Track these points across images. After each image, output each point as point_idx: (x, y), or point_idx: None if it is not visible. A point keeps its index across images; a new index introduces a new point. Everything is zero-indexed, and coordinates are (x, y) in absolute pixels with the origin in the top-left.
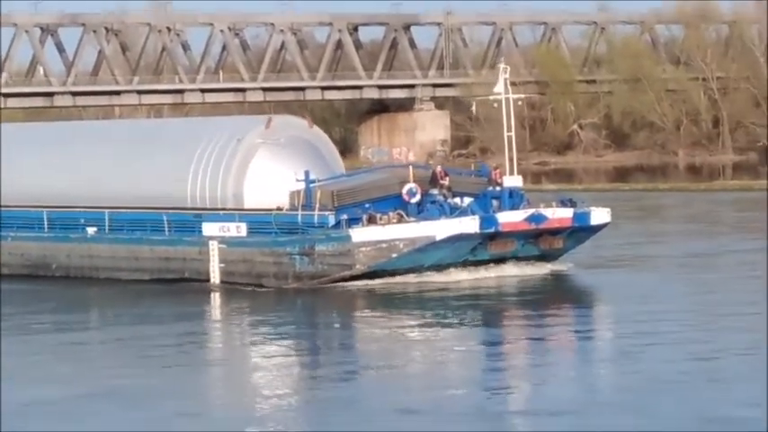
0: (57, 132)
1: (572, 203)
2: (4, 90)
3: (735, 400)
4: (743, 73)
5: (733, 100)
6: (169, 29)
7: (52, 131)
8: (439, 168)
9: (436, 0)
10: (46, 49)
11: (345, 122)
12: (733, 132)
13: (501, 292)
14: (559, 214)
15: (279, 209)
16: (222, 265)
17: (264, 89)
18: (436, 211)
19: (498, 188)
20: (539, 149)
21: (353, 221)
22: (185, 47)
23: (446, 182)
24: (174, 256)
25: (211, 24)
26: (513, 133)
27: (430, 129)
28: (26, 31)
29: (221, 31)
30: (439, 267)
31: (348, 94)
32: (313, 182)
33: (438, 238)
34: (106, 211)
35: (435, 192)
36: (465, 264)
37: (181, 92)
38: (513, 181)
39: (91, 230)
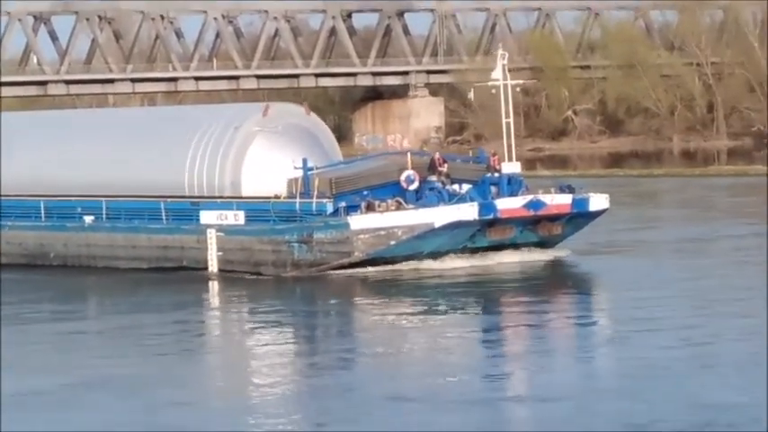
0: (53, 121)
1: (570, 190)
2: None
3: (727, 386)
4: (737, 58)
5: (727, 85)
6: (162, 17)
7: (49, 120)
8: (437, 155)
9: None
10: (39, 38)
11: (339, 110)
12: (728, 118)
13: (498, 279)
14: (558, 200)
15: (277, 197)
16: (220, 253)
17: (258, 77)
18: (435, 198)
19: (497, 175)
20: (533, 136)
21: (352, 209)
22: (179, 35)
23: (444, 169)
24: (171, 244)
25: (205, 12)
26: (511, 119)
27: (424, 115)
28: (19, 20)
29: (215, 18)
30: (437, 254)
31: (342, 82)
32: (311, 169)
33: (437, 225)
34: (103, 199)
35: (434, 179)
36: (464, 250)
37: (174, 80)
38: (511, 167)
39: (88, 219)
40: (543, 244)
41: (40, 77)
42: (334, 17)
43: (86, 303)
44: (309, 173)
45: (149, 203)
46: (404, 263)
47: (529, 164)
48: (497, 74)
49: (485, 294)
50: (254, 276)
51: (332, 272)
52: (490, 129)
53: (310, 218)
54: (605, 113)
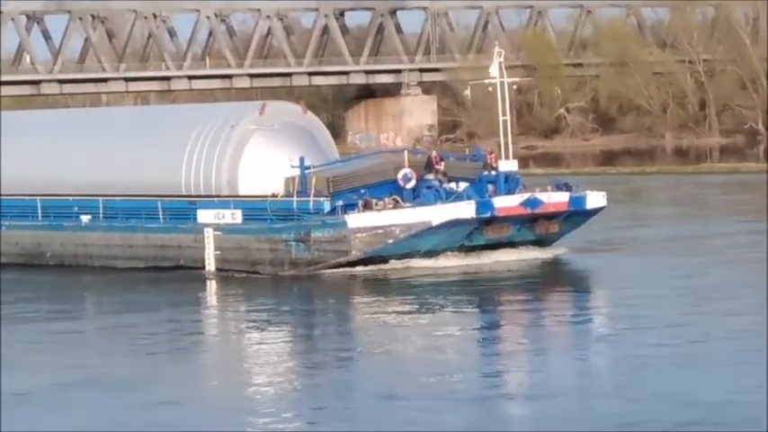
0: (50, 120)
1: (568, 187)
2: None
3: (718, 385)
4: (729, 55)
5: (719, 82)
6: (155, 15)
7: (45, 119)
8: (434, 153)
9: None
10: (32, 37)
11: (332, 108)
12: (720, 115)
13: (495, 277)
14: (555, 198)
15: (274, 195)
16: (217, 252)
17: (251, 75)
18: (432, 196)
19: (494, 173)
20: (526, 133)
21: (349, 207)
22: (172, 33)
23: (441, 167)
24: (168, 243)
25: (197, 11)
26: (508, 117)
27: (417, 114)
28: (12, 19)
29: (207, 17)
30: (435, 253)
31: (335, 80)
32: (308, 168)
33: (434, 224)
34: (100, 198)
35: (431, 177)
36: (461, 249)
37: (167, 79)
38: (508, 165)
39: (85, 218)
40: (540, 242)
41: (33, 77)
42: (326, 15)
43: (83, 303)
44: (307, 171)
45: (146, 202)
46: (401, 261)
47: (522, 162)
48: (494, 71)
49: (480, 293)
50: (252, 275)
51: (329, 270)
52: (483, 127)
53: (308, 216)
54: (598, 111)
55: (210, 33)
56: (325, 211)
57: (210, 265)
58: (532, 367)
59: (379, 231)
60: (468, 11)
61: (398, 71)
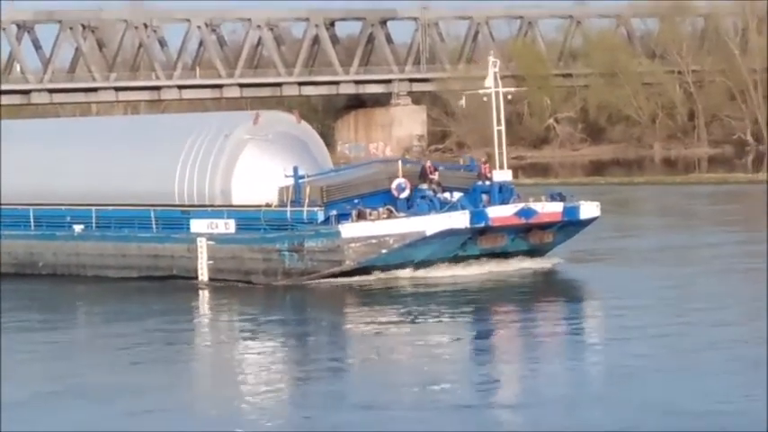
0: (42, 129)
1: (561, 198)
2: None
3: (704, 394)
4: (718, 66)
5: (708, 93)
6: (146, 25)
7: (38, 129)
8: (428, 163)
9: None
10: (23, 46)
11: (322, 118)
12: (708, 125)
13: (487, 288)
14: (549, 208)
15: (267, 205)
16: (211, 262)
17: (241, 85)
18: (426, 206)
19: (488, 183)
20: (515, 144)
21: (343, 217)
22: (162, 43)
23: (435, 177)
24: (162, 253)
25: (188, 20)
26: (503, 127)
27: (407, 124)
28: (3, 29)
29: (198, 27)
30: (429, 263)
31: (325, 90)
32: (302, 177)
33: (428, 234)
34: (93, 208)
35: (425, 187)
36: (455, 259)
37: (158, 88)
38: (502, 175)
39: (78, 228)
40: (534, 252)
41: (23, 86)
42: (317, 25)
43: (74, 312)
44: (300, 181)
45: (139, 212)
46: (395, 271)
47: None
48: (489, 81)
49: (472, 303)
50: (245, 285)
51: (323, 280)
52: (473, 137)
53: (301, 226)
54: (587, 121)
55: (201, 43)
56: (319, 221)
57: (203, 275)
58: (521, 377)
59: (373, 241)
60: (459, 21)
61: (388, 81)
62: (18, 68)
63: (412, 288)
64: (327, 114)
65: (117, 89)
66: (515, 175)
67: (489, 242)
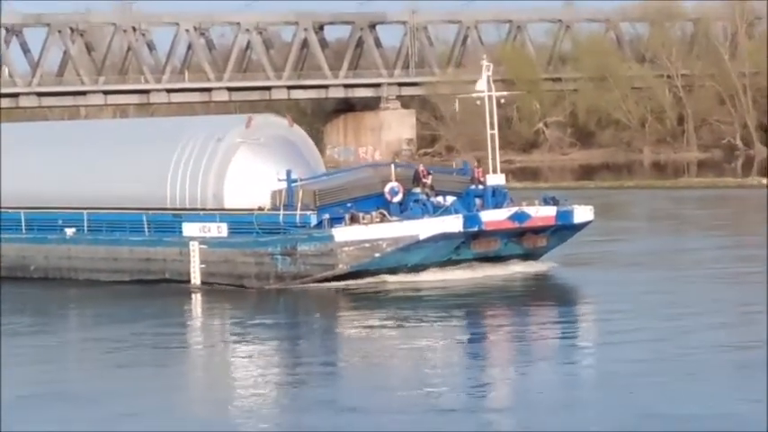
0: (34, 133)
1: (555, 202)
2: None
3: (685, 398)
4: (707, 70)
5: (698, 97)
6: (134, 29)
7: (29, 132)
8: (421, 167)
9: None
10: (11, 50)
11: (311, 122)
12: (698, 130)
13: (479, 292)
14: (542, 213)
15: (260, 209)
16: (203, 265)
17: (230, 89)
18: (419, 210)
19: (481, 187)
20: (504, 148)
21: (336, 221)
22: (151, 47)
23: (429, 181)
24: (154, 256)
25: (177, 24)
26: (496, 131)
27: (396, 128)
28: None
29: (187, 30)
30: (422, 267)
31: (314, 94)
32: (295, 181)
33: (421, 238)
34: (85, 211)
35: (418, 191)
36: (448, 263)
37: (146, 92)
38: (496, 179)
39: (69, 231)
40: (528, 256)
41: (11, 89)
42: (306, 29)
43: (65, 316)
44: (293, 185)
45: (131, 216)
46: (388, 275)
47: None
48: (482, 85)
49: (464, 306)
50: (238, 289)
51: (315, 284)
52: (462, 141)
53: (294, 230)
54: (576, 125)
55: (190, 47)
56: (312, 225)
57: (196, 279)
58: (511, 380)
59: (366, 245)
60: (448, 25)
61: (377, 85)
62: (6, 72)
63: (404, 292)
64: (316, 118)
65: (106, 92)
66: (505, 180)
67: (483, 246)
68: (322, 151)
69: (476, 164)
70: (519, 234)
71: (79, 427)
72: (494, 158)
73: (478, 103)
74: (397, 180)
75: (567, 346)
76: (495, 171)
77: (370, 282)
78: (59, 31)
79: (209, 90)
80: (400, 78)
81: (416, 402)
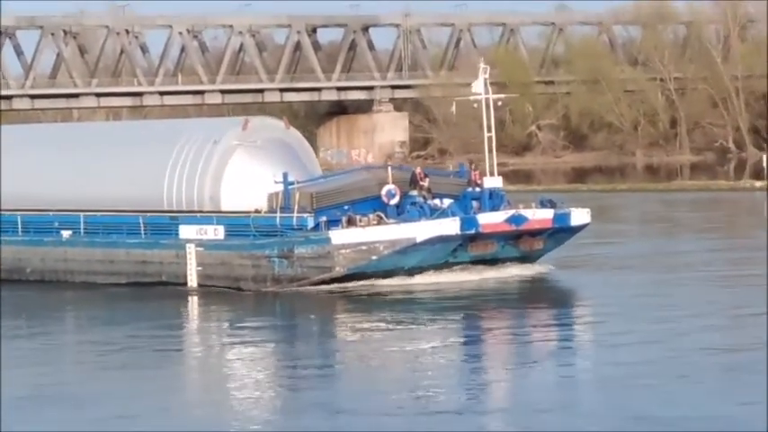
0: (30, 135)
1: (552, 204)
2: None
3: (672, 401)
4: (700, 73)
5: (690, 100)
6: (127, 31)
7: (25, 134)
8: (418, 169)
9: (395, 0)
10: (4, 52)
11: (304, 124)
12: (690, 133)
13: (476, 294)
14: (540, 215)
15: (257, 211)
16: (200, 268)
17: (223, 91)
18: (416, 212)
19: (478, 189)
20: (497, 150)
21: (333, 223)
22: (144, 49)
23: (426, 183)
24: (150, 259)
25: (170, 26)
26: (493, 134)
27: (389, 130)
28: None
29: (180, 33)
30: (419, 269)
31: (307, 96)
32: (291, 183)
33: (418, 240)
34: (81, 214)
35: (415, 193)
36: (445, 265)
37: (139, 94)
38: (493, 182)
39: (66, 234)
40: (525, 259)
41: (4, 92)
42: (299, 32)
43: (61, 318)
44: (290, 187)
45: (128, 218)
46: (384, 278)
47: None
48: (479, 88)
49: (460, 309)
50: (234, 292)
51: (312, 287)
52: (455, 143)
53: (291, 232)
54: (569, 128)
55: (183, 49)
56: (309, 228)
57: (192, 282)
58: (507, 383)
59: (363, 248)
60: (441, 28)
61: (370, 88)
62: None
63: (400, 295)
64: (309, 121)
65: (98, 95)
66: None
67: (480, 249)
68: (315, 154)
69: (473, 166)
70: (516, 237)
71: (77, 429)
72: (491, 161)
73: (475, 105)
74: (393, 183)
75: (561, 349)
76: (492, 174)
77: (366, 284)
78: (52, 34)
79: (201, 93)
80: (393, 81)
81: (412, 404)
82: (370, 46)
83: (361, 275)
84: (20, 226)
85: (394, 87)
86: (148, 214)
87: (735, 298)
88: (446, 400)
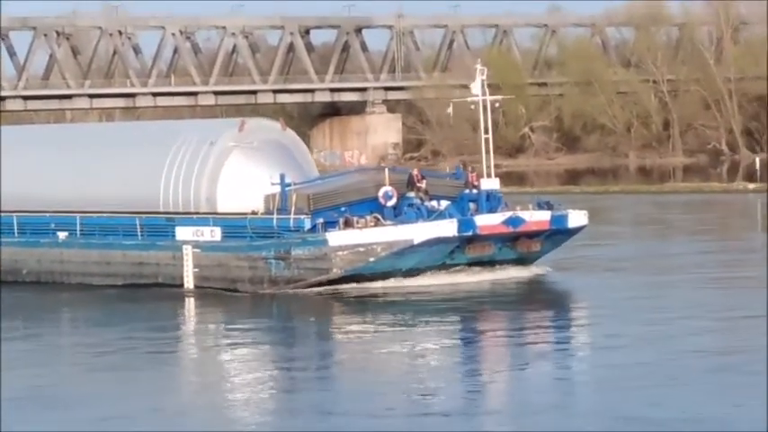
0: (25, 136)
1: (549, 206)
2: None
3: (661, 403)
4: (693, 75)
5: (683, 102)
6: (120, 32)
7: (20, 135)
8: (416, 171)
9: (388, 0)
10: None
11: (297, 126)
12: (683, 135)
13: (473, 296)
14: (537, 217)
15: (254, 213)
16: (196, 269)
17: (216, 93)
18: (413, 214)
19: (475, 191)
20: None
21: (330, 225)
22: (137, 50)
23: (423, 185)
24: (147, 260)
25: (163, 28)
26: (490, 135)
27: (382, 132)
28: None
29: (173, 34)
30: (416, 271)
31: (300, 98)
32: (288, 185)
33: (416, 242)
34: (77, 215)
35: (412, 195)
36: (442, 267)
37: (132, 96)
38: (490, 184)
39: (62, 235)
40: (522, 261)
41: None
42: (292, 33)
43: (57, 319)
44: (287, 189)
45: (124, 219)
46: (381, 280)
47: None
48: (476, 89)
49: (457, 311)
50: (231, 293)
51: (309, 288)
52: (448, 145)
53: (288, 234)
54: (562, 130)
55: (176, 50)
56: (306, 229)
57: (189, 283)
58: (505, 384)
59: (361, 249)
60: (434, 29)
61: (363, 89)
62: None
63: (398, 296)
64: (302, 122)
65: (91, 96)
66: None
67: (477, 251)
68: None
69: (470, 168)
70: (513, 238)
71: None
72: (488, 162)
73: (473, 107)
74: (390, 184)
75: (555, 351)
76: (489, 175)
77: (363, 286)
78: (45, 35)
79: (195, 94)
80: (386, 82)
81: (407, 406)
82: (364, 47)
83: (358, 277)
84: (16, 227)
85: (387, 89)
86: (145, 216)
87: (727, 300)
88: (442, 401)
